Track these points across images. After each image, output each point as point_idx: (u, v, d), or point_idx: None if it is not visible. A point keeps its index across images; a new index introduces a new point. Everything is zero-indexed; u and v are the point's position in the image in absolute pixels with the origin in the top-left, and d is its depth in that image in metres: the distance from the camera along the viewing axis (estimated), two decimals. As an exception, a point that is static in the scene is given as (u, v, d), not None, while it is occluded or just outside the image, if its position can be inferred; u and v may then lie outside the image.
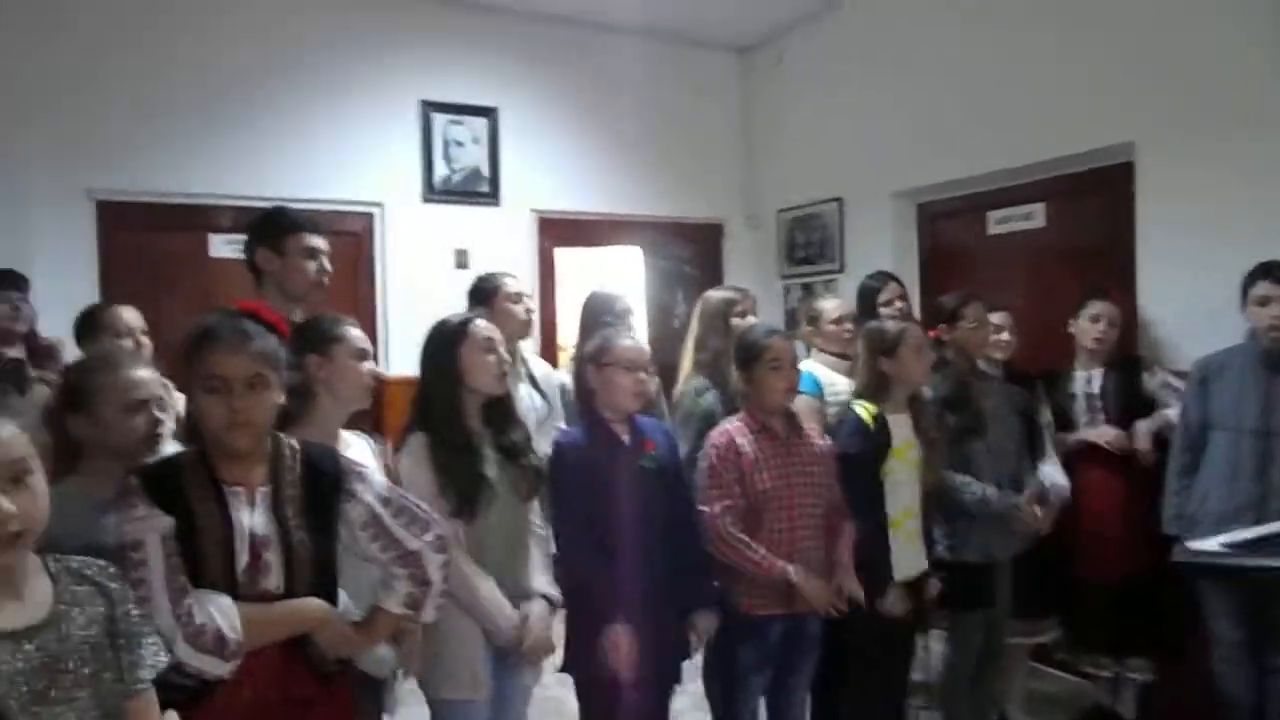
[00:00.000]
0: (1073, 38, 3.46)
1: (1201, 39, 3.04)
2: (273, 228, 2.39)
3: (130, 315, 2.71)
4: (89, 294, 3.55)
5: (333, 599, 1.62)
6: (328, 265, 2.42)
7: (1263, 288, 2.63)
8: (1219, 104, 3.00)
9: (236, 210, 3.99)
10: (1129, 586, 3.02)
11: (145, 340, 2.66)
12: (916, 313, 4.05)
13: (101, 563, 1.31)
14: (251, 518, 1.52)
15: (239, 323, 1.54)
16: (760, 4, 4.64)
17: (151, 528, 1.43)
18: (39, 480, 1.20)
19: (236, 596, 1.49)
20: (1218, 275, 2.80)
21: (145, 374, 1.71)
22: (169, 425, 1.72)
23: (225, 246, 3.98)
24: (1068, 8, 3.48)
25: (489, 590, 2.07)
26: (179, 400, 1.82)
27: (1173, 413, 2.96)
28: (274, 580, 1.53)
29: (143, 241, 3.88)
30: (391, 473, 2.07)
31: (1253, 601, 2.65)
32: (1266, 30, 2.85)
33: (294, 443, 1.62)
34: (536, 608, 2.14)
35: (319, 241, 2.40)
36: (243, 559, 1.50)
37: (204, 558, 1.48)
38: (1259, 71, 2.89)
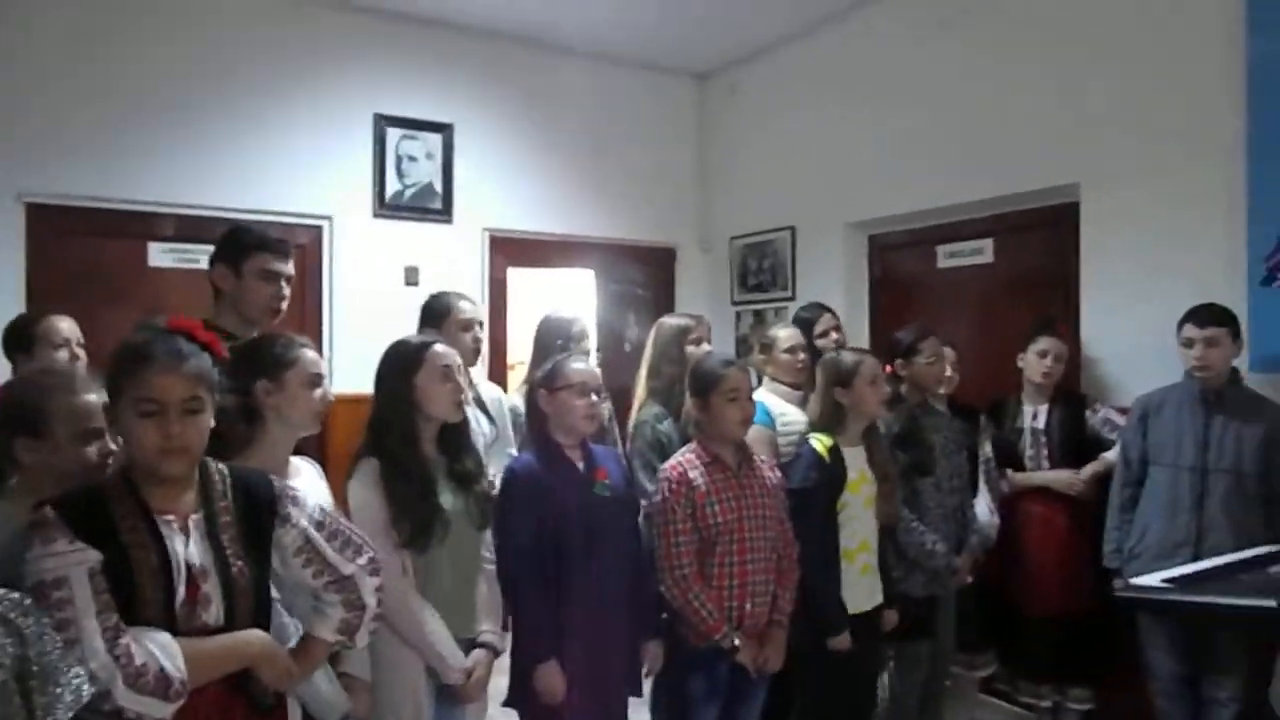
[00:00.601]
0: (1022, 80, 3.56)
1: (1145, 86, 3.14)
2: (232, 246, 2.30)
3: (67, 326, 2.59)
4: (12, 303, 3.39)
5: (268, 629, 1.54)
6: (285, 290, 2.34)
7: (1188, 330, 2.72)
8: (1160, 149, 3.10)
9: (179, 219, 3.87)
10: (1071, 619, 3.07)
11: (81, 353, 2.55)
12: (866, 343, 4.11)
13: (15, 596, 1.22)
14: (186, 548, 1.43)
15: (174, 342, 1.46)
16: (716, 32, 4.67)
17: (76, 563, 1.33)
18: None
19: (174, 632, 1.40)
20: (1158, 313, 2.89)
21: (99, 399, 1.61)
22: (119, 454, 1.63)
23: (166, 255, 3.85)
24: (1018, 51, 3.57)
25: (438, 627, 2.01)
26: None
27: (1114, 455, 3.03)
28: (214, 613, 1.45)
29: (76, 248, 3.72)
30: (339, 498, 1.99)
31: (1191, 636, 2.71)
32: (1206, 80, 2.96)
33: (222, 467, 1.54)
34: (482, 656, 2.09)
35: (279, 265, 2.32)
36: (180, 591, 1.41)
37: (138, 592, 1.38)
38: (1198, 119, 2.99)
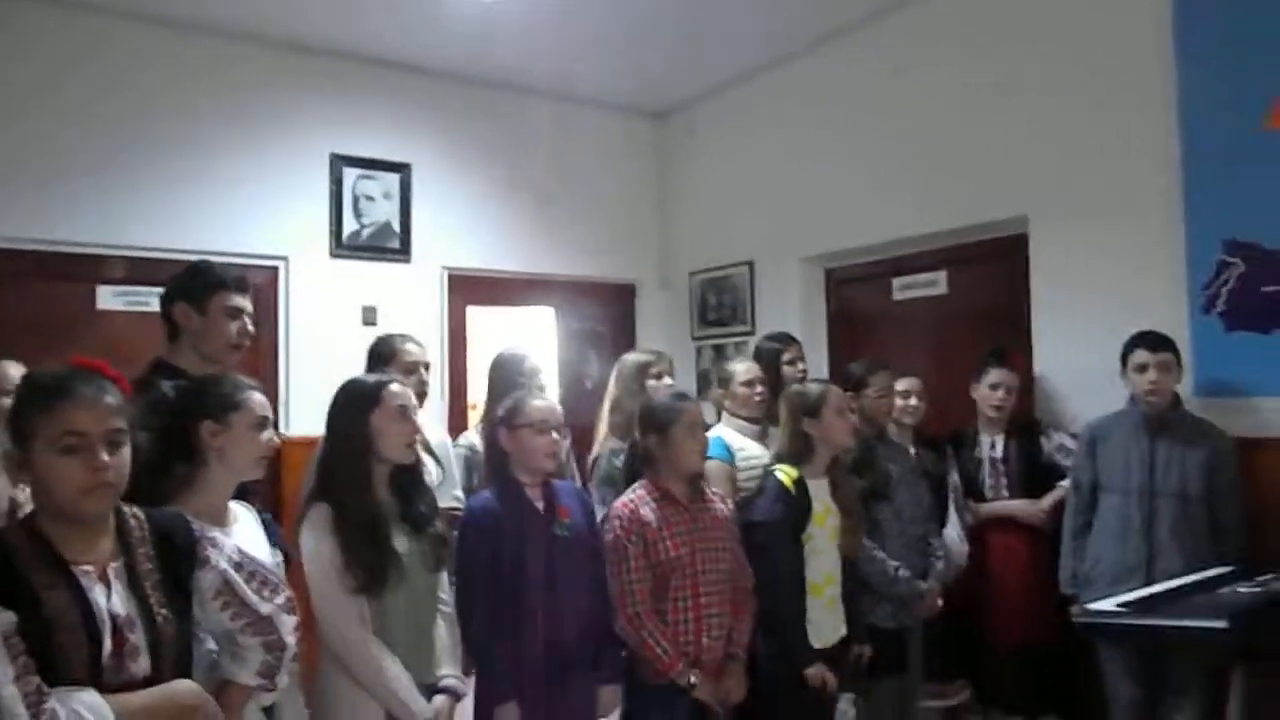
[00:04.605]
0: (972, 117, 3.65)
1: (1087, 121, 3.24)
2: (197, 283, 2.27)
3: (15, 371, 2.53)
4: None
5: (190, 677, 1.48)
6: (250, 326, 2.33)
7: (1139, 355, 2.78)
8: (1103, 183, 3.20)
9: (129, 261, 3.81)
10: (1037, 647, 3.09)
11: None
12: (825, 376, 4.14)
13: None
14: (109, 598, 1.37)
15: (90, 374, 1.42)
16: (674, 73, 4.75)
17: None
18: None
19: (100, 687, 1.33)
20: (1105, 341, 2.94)
21: None
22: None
23: (116, 299, 3.78)
24: (968, 89, 3.67)
25: (399, 673, 1.96)
26: None
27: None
28: (142, 664, 1.38)
29: (24, 292, 3.64)
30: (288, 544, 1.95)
31: (1149, 660, 2.73)
32: (1143, 115, 3.06)
33: (137, 511, 1.48)
34: (443, 703, 2.04)
35: (244, 301, 2.30)
36: (107, 644, 1.35)
37: (58, 650, 1.31)
38: (1137, 154, 3.09)
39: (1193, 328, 2.92)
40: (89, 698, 1.30)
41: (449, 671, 2.09)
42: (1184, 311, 2.94)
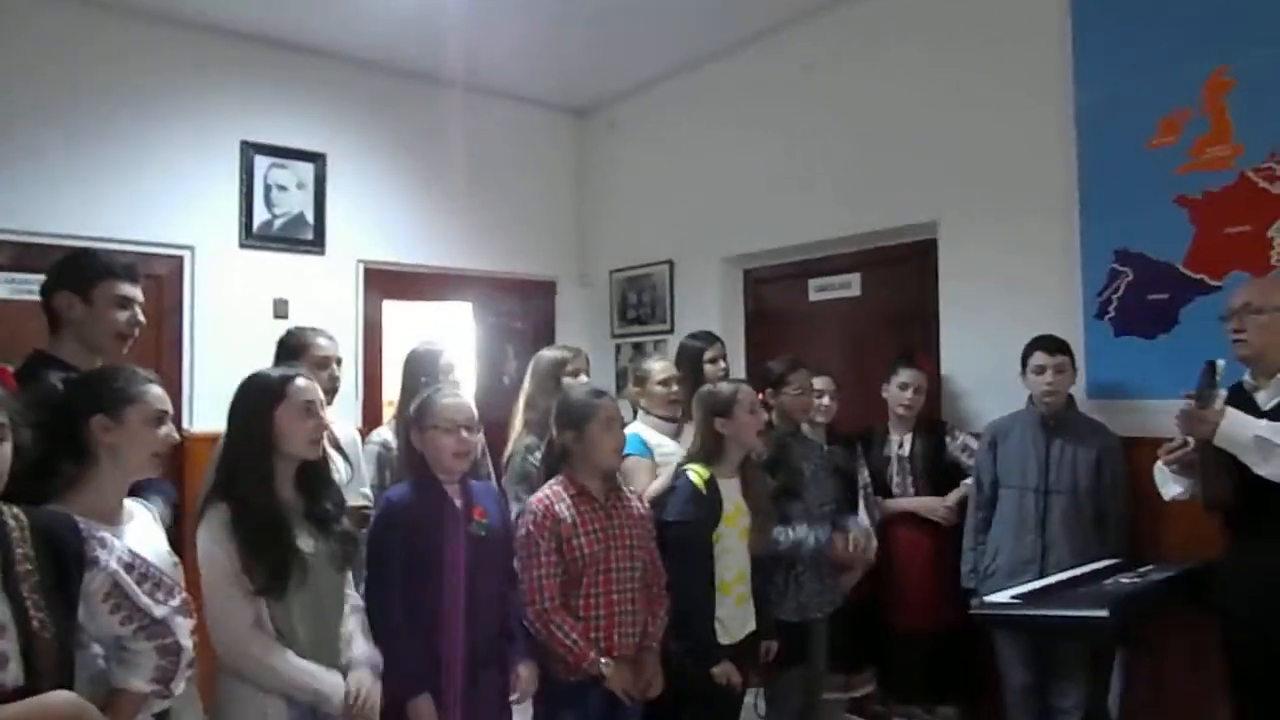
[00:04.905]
0: (885, 123, 3.75)
1: (992, 132, 3.37)
2: (80, 271, 2.18)
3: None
4: None
5: (72, 687, 1.39)
6: (140, 316, 2.24)
7: (1038, 358, 2.91)
8: (1006, 192, 3.33)
9: (17, 246, 3.61)
10: (938, 638, 3.20)
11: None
12: (743, 374, 4.20)
13: None
14: None
15: None
16: (595, 69, 4.75)
17: None
18: None
19: None
20: (1007, 344, 3.06)
21: None
22: None
23: (2, 286, 3.59)
24: (882, 95, 3.77)
25: (299, 664, 1.90)
26: None
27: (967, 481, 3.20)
28: (12, 672, 1.30)
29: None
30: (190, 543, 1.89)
31: (1039, 648, 2.87)
32: (1043, 129, 3.19)
33: (18, 512, 1.39)
34: (363, 675, 1.99)
35: (132, 290, 2.22)
36: None
37: None
38: (1036, 165, 3.22)
39: (1087, 333, 3.06)
40: None
41: (360, 648, 2.03)
42: (1079, 316, 3.08)
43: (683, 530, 2.57)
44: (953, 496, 3.26)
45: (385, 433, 3.08)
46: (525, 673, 2.30)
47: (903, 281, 3.88)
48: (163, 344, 3.95)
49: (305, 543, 1.96)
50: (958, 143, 3.48)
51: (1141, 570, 2.53)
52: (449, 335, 4.30)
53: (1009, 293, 3.31)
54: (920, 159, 3.62)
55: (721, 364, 3.40)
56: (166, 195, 3.97)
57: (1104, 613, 2.11)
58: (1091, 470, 2.81)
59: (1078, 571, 2.63)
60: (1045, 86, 3.19)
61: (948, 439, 3.35)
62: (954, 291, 3.54)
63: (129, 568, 1.47)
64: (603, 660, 2.31)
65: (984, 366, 3.38)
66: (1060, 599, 2.37)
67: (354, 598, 2.14)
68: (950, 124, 3.51)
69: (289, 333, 2.88)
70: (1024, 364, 2.95)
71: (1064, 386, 2.89)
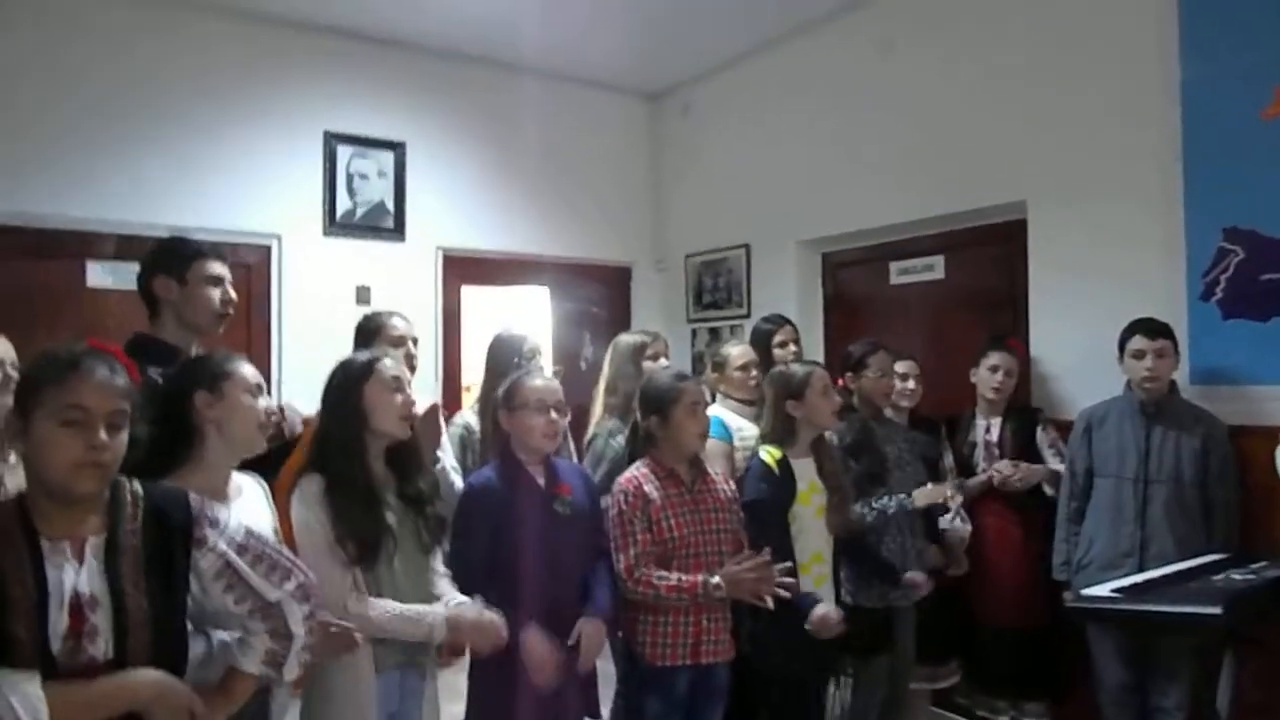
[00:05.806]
0: (971, 99, 3.63)
1: (1088, 107, 3.22)
2: (174, 255, 2.25)
3: (2, 347, 2.49)
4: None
5: (178, 666, 1.42)
6: (232, 294, 2.30)
7: (1137, 342, 2.77)
8: (1102, 168, 3.18)
9: (119, 238, 3.77)
10: (1026, 631, 3.10)
11: (15, 374, 2.45)
12: (821, 359, 4.14)
13: None
14: (77, 575, 1.32)
15: (102, 354, 1.41)
16: (669, 53, 4.72)
17: None
18: None
19: (54, 670, 1.27)
20: (1102, 328, 2.94)
21: None
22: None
23: (105, 275, 3.75)
24: (967, 71, 3.65)
25: (399, 607, 1.93)
26: None
27: (1051, 467, 3.10)
28: (101, 646, 1.31)
29: (12, 268, 3.60)
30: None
31: (1138, 645, 2.75)
32: (1145, 102, 3.05)
33: (137, 488, 1.43)
34: (465, 602, 2.03)
35: (222, 269, 2.28)
36: (60, 624, 1.29)
37: (9, 629, 1.25)
38: (1137, 141, 3.07)
39: (1191, 316, 2.91)
40: (25, 685, 1.23)
41: (460, 599, 2.06)
42: (1183, 298, 2.93)
43: (758, 509, 2.54)
44: (1025, 466, 3.09)
45: (468, 415, 3.11)
46: (587, 628, 2.24)
47: (989, 263, 3.75)
48: (253, 330, 4.08)
49: (393, 519, 1.99)
50: (1048, 119, 3.34)
51: (1255, 566, 2.40)
52: (527, 320, 4.33)
53: (1104, 274, 3.17)
54: (1006, 137, 3.49)
55: (792, 347, 3.35)
56: (254, 186, 4.10)
57: (1217, 610, 2.00)
58: (1196, 459, 2.68)
59: (1183, 566, 2.50)
60: (1145, 59, 3.03)
61: (1039, 429, 3.23)
62: (1045, 272, 3.40)
63: (242, 549, 1.49)
64: (713, 580, 2.28)
65: (1077, 350, 3.25)
66: (1166, 594, 2.26)
67: (441, 569, 2.16)
68: (1039, 101, 3.37)
69: (366, 317, 2.96)
70: (1121, 348, 2.82)
71: (1165, 372, 2.75)
